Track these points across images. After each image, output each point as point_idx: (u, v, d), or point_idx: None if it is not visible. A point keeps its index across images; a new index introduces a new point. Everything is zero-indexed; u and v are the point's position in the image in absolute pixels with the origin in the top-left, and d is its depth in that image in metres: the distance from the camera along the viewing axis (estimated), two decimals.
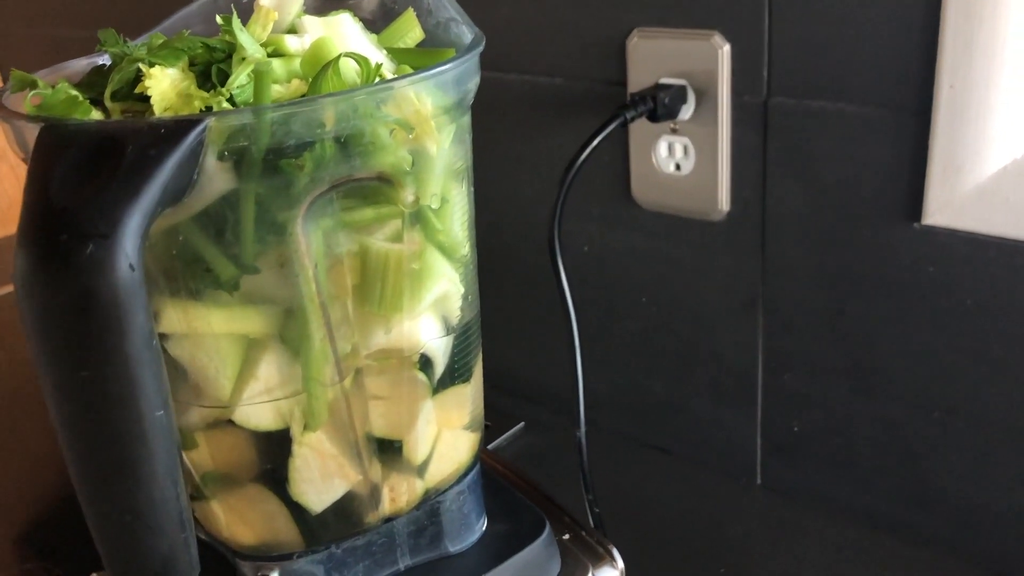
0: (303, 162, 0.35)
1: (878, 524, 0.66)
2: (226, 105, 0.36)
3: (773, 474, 0.71)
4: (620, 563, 0.52)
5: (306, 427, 0.41)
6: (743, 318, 0.68)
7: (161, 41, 0.39)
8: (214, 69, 0.37)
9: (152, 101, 0.36)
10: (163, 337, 0.39)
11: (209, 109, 0.36)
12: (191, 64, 0.38)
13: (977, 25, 0.54)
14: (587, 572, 0.51)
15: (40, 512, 0.74)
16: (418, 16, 0.45)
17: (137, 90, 0.36)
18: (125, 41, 0.42)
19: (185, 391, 0.40)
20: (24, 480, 0.79)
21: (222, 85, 0.36)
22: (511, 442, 0.80)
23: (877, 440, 0.65)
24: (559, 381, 0.83)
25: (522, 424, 0.81)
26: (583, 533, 0.53)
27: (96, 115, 0.37)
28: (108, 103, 0.38)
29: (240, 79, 0.36)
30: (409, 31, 0.44)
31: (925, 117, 0.56)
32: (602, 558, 0.52)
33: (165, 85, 0.36)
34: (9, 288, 1.10)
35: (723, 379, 0.71)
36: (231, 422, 0.41)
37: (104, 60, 0.43)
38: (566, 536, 0.53)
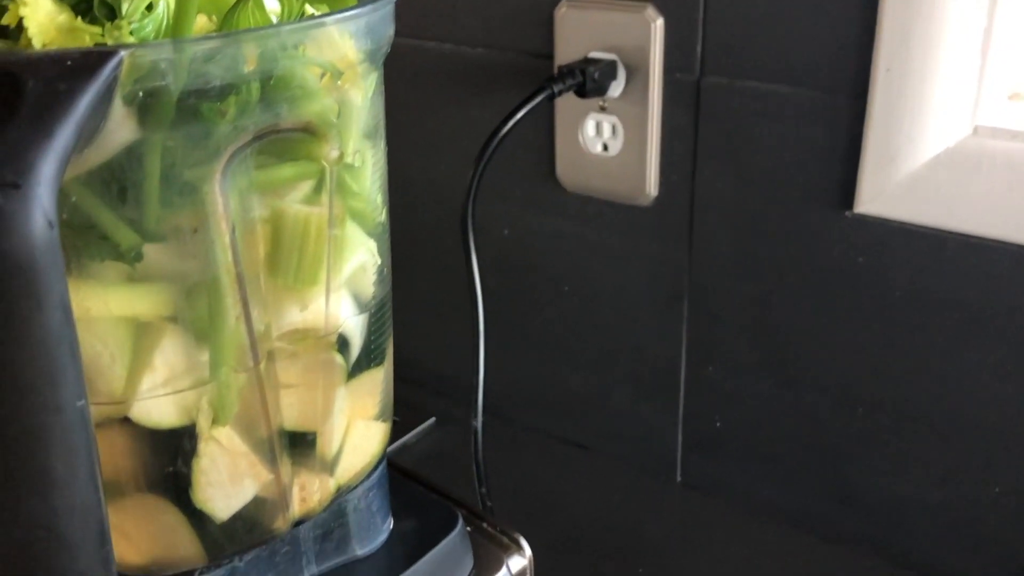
0: (227, 107, 0.30)
1: (800, 521, 0.65)
2: (130, 40, 0.30)
3: (694, 470, 0.69)
4: (528, 551, 0.49)
5: (215, 420, 0.36)
6: (668, 309, 0.66)
7: None
8: (96, 1, 0.32)
9: (30, 35, 0.30)
10: None
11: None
12: None
13: (916, 9, 0.53)
14: (501, 563, 0.48)
15: None
16: None
17: (4, 21, 0.31)
18: None
19: None
20: None
21: (109, 20, 0.31)
22: (421, 438, 0.75)
23: (800, 436, 0.63)
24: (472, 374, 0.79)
25: (433, 419, 0.77)
26: (484, 524, 0.50)
27: None
28: None
29: (139, 10, 0.31)
30: None
31: (861, 102, 0.54)
32: (508, 548, 0.49)
33: (41, 16, 0.30)
34: None
35: (644, 372, 0.69)
36: (127, 420, 0.35)
37: None
38: (468, 528, 0.49)
